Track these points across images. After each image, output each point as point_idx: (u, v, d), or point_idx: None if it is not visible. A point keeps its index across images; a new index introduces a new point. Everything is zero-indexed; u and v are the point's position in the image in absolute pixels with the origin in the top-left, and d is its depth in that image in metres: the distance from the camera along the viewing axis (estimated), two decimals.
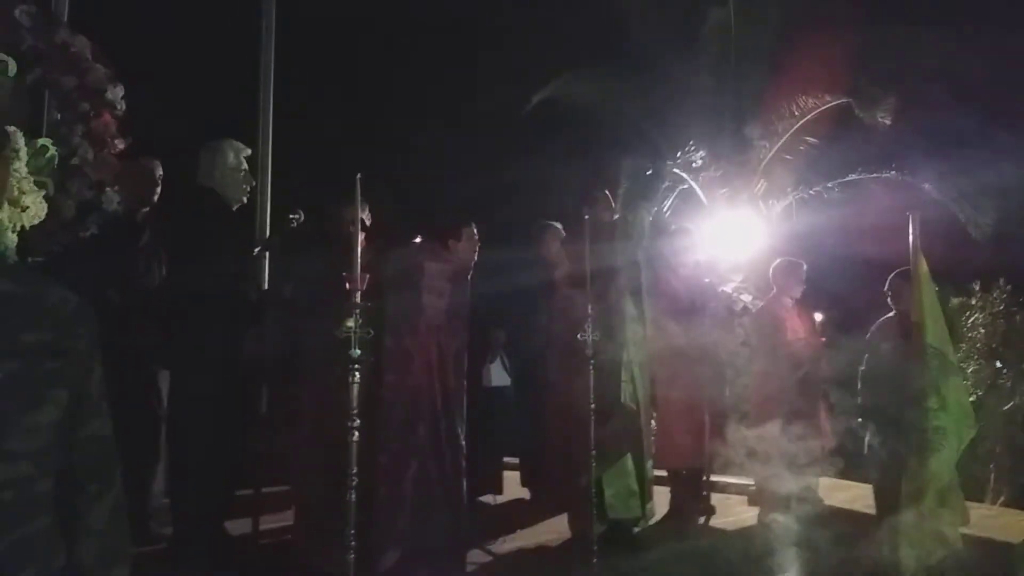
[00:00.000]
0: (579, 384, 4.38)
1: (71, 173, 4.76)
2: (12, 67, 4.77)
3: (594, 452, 4.32)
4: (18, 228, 3.08)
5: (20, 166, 2.78)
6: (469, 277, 4.78)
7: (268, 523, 4.48)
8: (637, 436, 4.97)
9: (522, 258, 6.04)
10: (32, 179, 3.34)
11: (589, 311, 4.35)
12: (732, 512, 5.97)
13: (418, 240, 4.82)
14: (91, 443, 1.49)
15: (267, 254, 4.86)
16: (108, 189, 4.93)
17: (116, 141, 4.94)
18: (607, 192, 5.55)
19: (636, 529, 5.03)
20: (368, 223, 4.98)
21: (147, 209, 4.74)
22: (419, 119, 10.15)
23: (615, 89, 10.38)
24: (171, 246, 4.37)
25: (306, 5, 8.74)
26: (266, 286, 5.58)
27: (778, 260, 6.15)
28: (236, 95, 8.02)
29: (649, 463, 5.16)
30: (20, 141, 3.17)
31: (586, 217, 4.52)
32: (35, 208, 3.28)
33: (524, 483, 6.06)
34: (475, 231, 5.08)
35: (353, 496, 3.27)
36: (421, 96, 10.04)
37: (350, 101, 10.26)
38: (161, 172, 4.78)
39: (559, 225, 6.18)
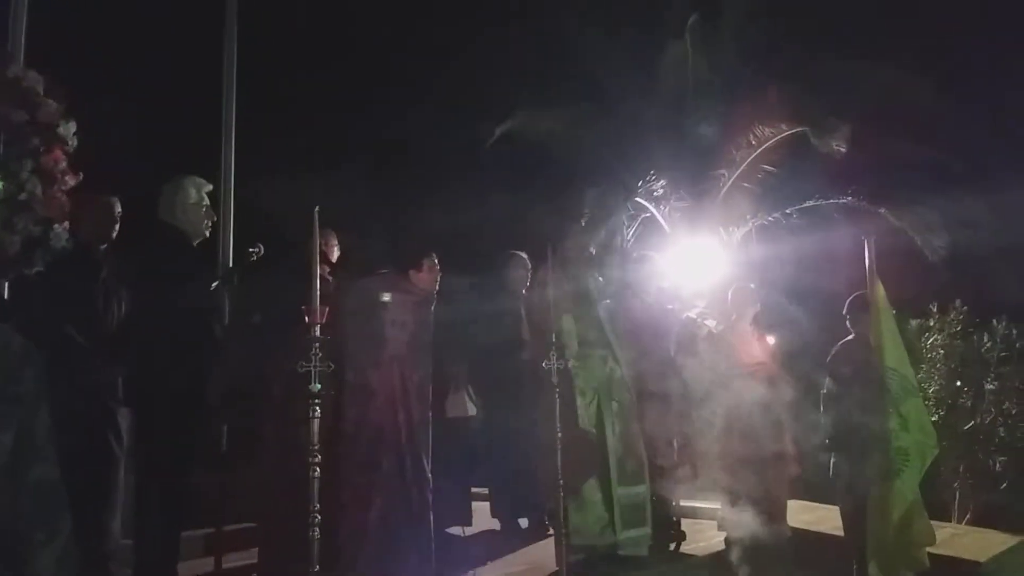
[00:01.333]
0: (544, 412, 4.38)
1: (18, 208, 4.65)
2: None
3: (561, 481, 4.31)
4: None
5: None
6: (432, 308, 4.78)
7: (231, 562, 4.39)
8: (603, 462, 4.93)
9: (488, 288, 6.06)
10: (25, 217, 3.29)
11: (553, 339, 4.37)
12: (703, 537, 5.96)
13: (380, 271, 4.82)
14: (37, 489, 1.44)
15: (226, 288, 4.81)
16: (56, 226, 4.83)
17: (67, 178, 4.84)
18: (581, 222, 5.61)
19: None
20: (336, 254, 4.98)
21: (105, 246, 4.67)
22: (380, 152, 10.17)
23: (575, 122, 10.53)
24: (132, 282, 4.30)
25: (267, 39, 8.76)
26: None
27: (733, 286, 6.26)
28: (198, 130, 7.99)
29: (634, 488, 5.07)
30: None
31: (549, 246, 4.57)
32: None
33: (494, 514, 6.01)
34: (436, 261, 5.10)
35: (316, 533, 3.22)
36: (383, 129, 10.08)
37: (312, 134, 10.28)
38: (120, 209, 4.72)
39: (524, 255, 6.22)
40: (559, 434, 4.29)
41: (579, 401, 4.81)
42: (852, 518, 5.26)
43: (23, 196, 4.51)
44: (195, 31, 8.26)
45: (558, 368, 4.35)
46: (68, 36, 7.12)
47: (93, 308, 4.44)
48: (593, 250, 5.99)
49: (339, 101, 10.34)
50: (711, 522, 6.21)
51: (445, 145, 9.60)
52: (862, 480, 4.87)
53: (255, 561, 4.26)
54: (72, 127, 4.85)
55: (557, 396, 4.35)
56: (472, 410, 5.66)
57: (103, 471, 4.32)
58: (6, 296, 4.63)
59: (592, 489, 4.84)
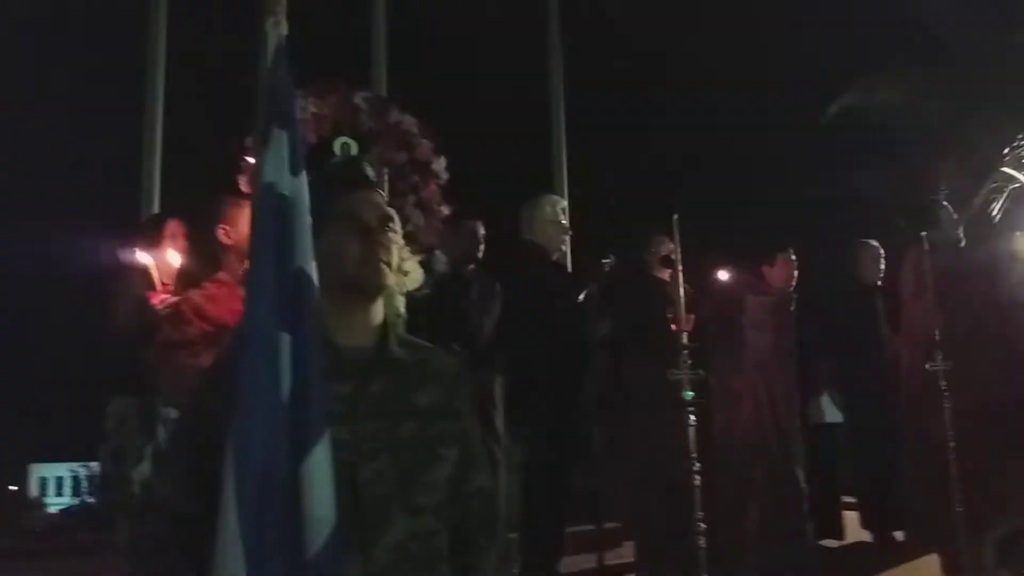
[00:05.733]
0: (935, 420, 3.95)
1: (406, 239, 5.26)
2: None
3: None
4: (404, 291, 3.52)
5: (398, 238, 3.15)
6: (791, 307, 4.57)
7: (608, 559, 4.55)
8: None
9: (837, 281, 5.68)
10: (409, 248, 3.75)
11: (937, 337, 3.94)
12: None
13: (731, 271, 4.69)
14: (478, 497, 1.58)
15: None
16: (436, 252, 5.39)
17: (441, 208, 5.43)
18: (947, 205, 5.01)
19: None
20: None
21: (472, 266, 5.10)
22: (718, 140, 9.90)
23: (921, 89, 9.50)
24: (501, 296, 4.64)
25: (592, 49, 8.99)
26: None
27: None
28: (531, 148, 8.44)
29: None
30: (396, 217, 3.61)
31: (924, 235, 4.13)
32: (415, 272, 3.70)
33: (865, 525, 5.59)
34: (792, 256, 4.83)
35: (702, 542, 3.22)
36: (715, 116, 9.80)
37: (645, 134, 10.33)
38: (483, 231, 5.12)
39: (875, 243, 5.72)
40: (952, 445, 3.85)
41: None
42: None
43: (408, 227, 5.13)
44: (523, 52, 8.74)
45: (946, 370, 3.91)
46: (413, 70, 7.89)
47: (467, 323, 4.87)
48: (961, 230, 5.33)
49: (670, 94, 10.26)
50: None
51: (781, 128, 9.12)
52: None
53: (631, 560, 4.36)
54: (442, 162, 5.45)
55: (945, 399, 3.91)
56: (838, 416, 5.30)
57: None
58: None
59: None
